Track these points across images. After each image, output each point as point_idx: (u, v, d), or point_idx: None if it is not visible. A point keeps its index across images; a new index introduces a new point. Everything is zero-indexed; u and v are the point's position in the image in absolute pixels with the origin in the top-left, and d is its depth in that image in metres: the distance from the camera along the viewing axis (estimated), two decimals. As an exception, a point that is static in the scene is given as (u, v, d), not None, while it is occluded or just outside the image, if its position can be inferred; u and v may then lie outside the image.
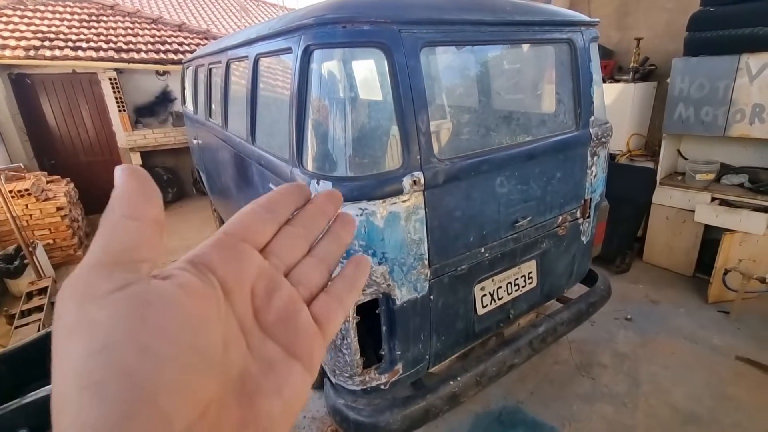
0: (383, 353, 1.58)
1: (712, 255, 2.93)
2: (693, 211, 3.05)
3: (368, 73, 1.57)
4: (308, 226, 0.28)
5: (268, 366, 0.22)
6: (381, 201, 1.34)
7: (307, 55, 1.32)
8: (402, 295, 1.49)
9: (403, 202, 1.37)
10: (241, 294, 0.23)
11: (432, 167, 1.41)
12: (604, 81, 3.69)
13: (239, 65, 2.24)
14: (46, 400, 1.45)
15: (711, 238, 3.07)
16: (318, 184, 1.32)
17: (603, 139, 2.04)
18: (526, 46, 2.09)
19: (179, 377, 0.17)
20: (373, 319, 1.53)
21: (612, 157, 3.73)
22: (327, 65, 1.32)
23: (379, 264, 1.41)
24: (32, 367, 1.92)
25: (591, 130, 1.95)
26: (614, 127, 3.51)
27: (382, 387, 1.59)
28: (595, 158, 2.04)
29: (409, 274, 1.48)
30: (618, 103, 3.53)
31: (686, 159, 3.38)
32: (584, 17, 1.92)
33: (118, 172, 0.22)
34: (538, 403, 2.20)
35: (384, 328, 1.54)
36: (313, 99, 1.35)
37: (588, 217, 2.13)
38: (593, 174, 2.06)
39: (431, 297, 1.58)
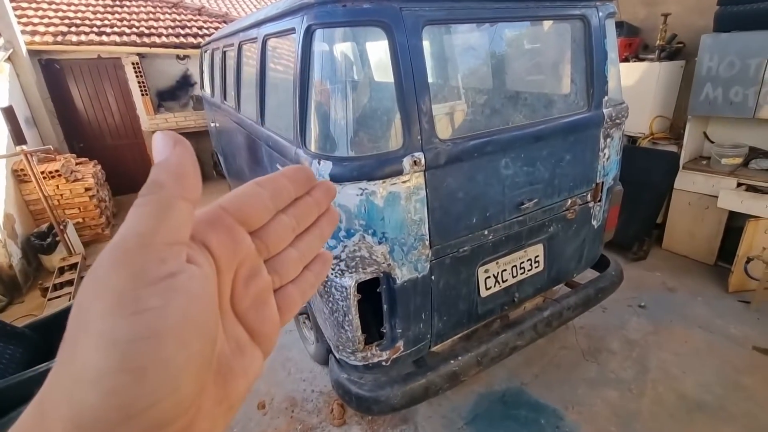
0: (384, 331, 1.62)
1: (735, 243, 2.82)
2: (717, 197, 2.93)
3: (370, 53, 1.56)
4: (301, 219, 0.28)
5: (237, 349, 0.23)
6: (381, 181, 1.35)
7: (309, 35, 1.33)
8: (402, 274, 1.51)
9: (404, 182, 1.39)
10: (227, 276, 0.23)
11: (433, 148, 1.41)
12: (629, 60, 3.53)
13: (250, 47, 2.26)
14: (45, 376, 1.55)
15: (735, 226, 2.95)
16: (319, 164, 1.35)
17: (618, 121, 1.97)
18: (537, 23, 2.02)
19: (200, 366, 0.19)
20: (375, 298, 1.57)
21: (634, 140, 3.60)
22: (329, 45, 1.32)
23: (379, 243, 1.43)
24: (63, 334, 2.06)
25: (604, 110, 1.89)
26: (637, 109, 3.42)
27: (384, 363, 1.64)
28: (609, 140, 1.98)
29: (409, 254, 1.50)
30: (642, 83, 3.38)
31: (713, 142, 3.23)
32: (600, -8, 1.83)
33: (164, 141, 0.21)
34: (543, 386, 2.21)
35: (385, 307, 1.57)
36: (316, 79, 1.36)
37: (599, 201, 2.09)
38: (606, 156, 2.00)
39: (432, 277, 1.60)
